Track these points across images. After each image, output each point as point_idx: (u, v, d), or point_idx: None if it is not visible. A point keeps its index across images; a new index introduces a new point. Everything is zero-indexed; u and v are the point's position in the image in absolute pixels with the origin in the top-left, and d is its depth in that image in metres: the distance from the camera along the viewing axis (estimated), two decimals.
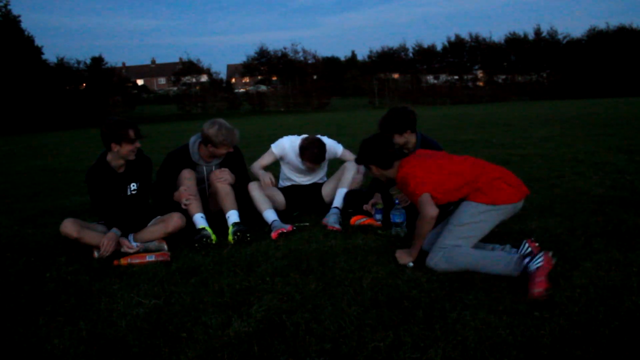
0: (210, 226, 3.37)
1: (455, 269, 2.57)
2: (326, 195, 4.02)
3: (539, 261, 2.34)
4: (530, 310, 2.13)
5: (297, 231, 3.52)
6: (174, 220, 3.30)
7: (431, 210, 2.63)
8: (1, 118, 23.04)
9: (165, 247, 3.25)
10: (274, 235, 3.42)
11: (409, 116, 3.47)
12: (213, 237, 3.27)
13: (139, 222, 3.37)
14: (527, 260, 2.39)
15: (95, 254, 3.13)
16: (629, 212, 3.52)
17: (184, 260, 3.03)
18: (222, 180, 3.59)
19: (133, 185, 3.37)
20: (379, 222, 3.54)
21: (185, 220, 3.36)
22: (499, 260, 2.52)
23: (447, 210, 2.92)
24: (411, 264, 2.72)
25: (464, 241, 2.62)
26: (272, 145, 3.98)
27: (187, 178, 3.54)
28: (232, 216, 3.45)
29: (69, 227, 3.13)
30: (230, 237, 3.33)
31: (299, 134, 4.03)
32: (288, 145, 3.93)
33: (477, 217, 2.64)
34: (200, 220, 3.40)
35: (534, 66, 38.04)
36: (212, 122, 3.55)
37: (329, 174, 4.25)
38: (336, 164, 4.23)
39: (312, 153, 3.75)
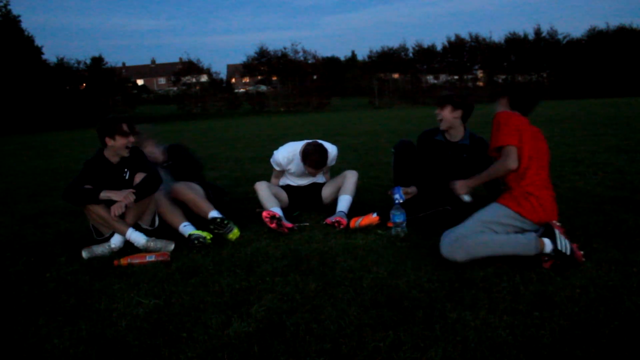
0: (200, 229, 3.35)
1: (472, 258, 2.57)
2: (325, 198, 4.04)
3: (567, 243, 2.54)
4: (530, 310, 2.13)
5: (297, 231, 3.52)
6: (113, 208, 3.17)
7: (512, 164, 2.69)
8: (1, 118, 23.05)
9: (172, 246, 3.22)
10: (264, 214, 3.49)
11: (467, 100, 3.57)
12: (204, 234, 3.25)
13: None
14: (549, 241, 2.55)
15: (83, 254, 3.15)
16: (629, 212, 3.52)
17: (184, 260, 3.03)
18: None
19: (128, 173, 3.38)
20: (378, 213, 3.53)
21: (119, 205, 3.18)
22: (517, 242, 2.57)
23: (463, 202, 3.05)
24: (467, 198, 2.96)
25: (480, 234, 2.63)
26: (271, 161, 4.06)
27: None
28: (213, 215, 3.49)
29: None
30: (230, 236, 3.34)
31: (294, 139, 4.09)
32: (281, 157, 3.97)
33: (504, 220, 2.67)
34: (184, 229, 3.37)
35: (534, 66, 38.00)
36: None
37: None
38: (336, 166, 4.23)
39: (314, 159, 3.76)
